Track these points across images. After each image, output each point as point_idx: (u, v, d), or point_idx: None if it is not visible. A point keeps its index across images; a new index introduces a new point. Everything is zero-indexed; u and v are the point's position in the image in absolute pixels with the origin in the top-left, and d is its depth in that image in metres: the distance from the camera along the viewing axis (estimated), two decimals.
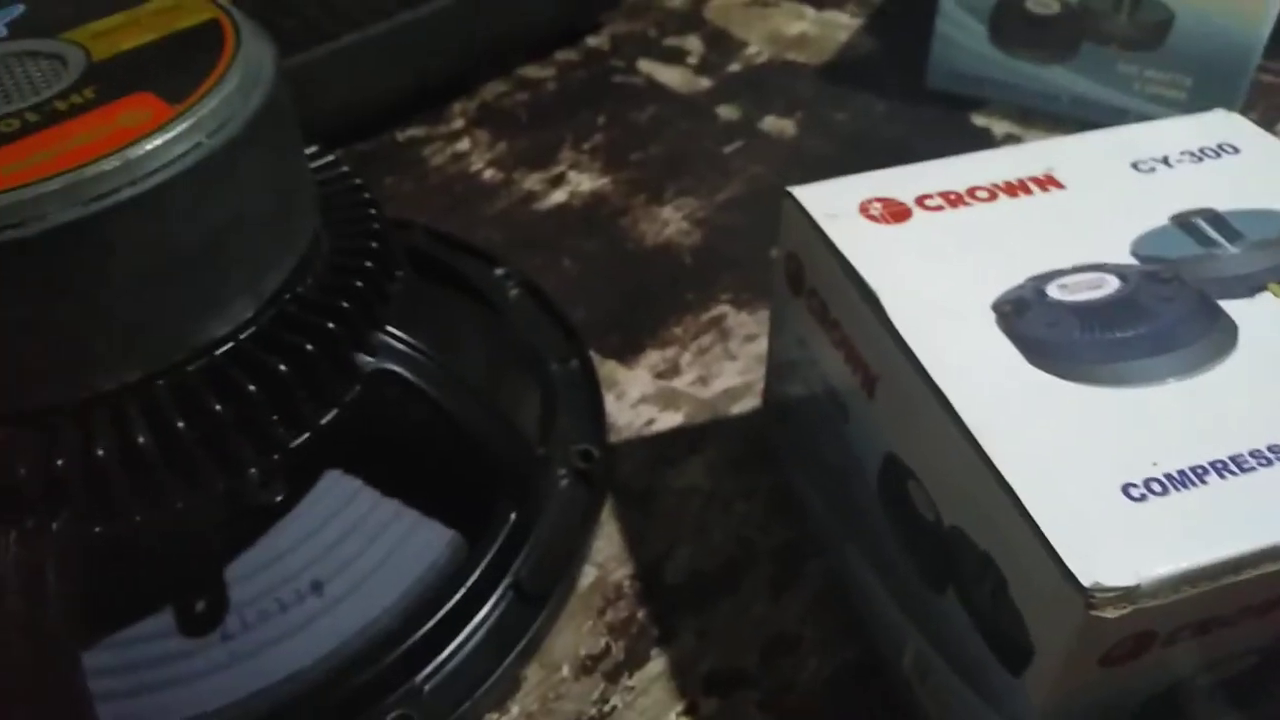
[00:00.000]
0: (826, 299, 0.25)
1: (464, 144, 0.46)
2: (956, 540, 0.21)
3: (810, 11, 0.55)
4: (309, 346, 0.23)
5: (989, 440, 0.19)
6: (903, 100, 0.47)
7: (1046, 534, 0.18)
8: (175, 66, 0.22)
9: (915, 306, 0.22)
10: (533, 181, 0.44)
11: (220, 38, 0.23)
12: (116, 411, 0.21)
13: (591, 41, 0.53)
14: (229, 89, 0.21)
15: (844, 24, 0.54)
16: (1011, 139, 0.45)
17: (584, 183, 0.44)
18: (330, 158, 0.28)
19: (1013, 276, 0.23)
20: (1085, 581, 0.17)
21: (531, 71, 0.51)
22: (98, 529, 0.21)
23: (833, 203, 0.25)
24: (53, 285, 0.19)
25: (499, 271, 0.37)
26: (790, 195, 0.25)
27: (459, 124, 0.47)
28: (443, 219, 0.41)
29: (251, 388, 0.22)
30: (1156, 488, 0.19)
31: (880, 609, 0.25)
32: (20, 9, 0.25)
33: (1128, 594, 0.17)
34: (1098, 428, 0.20)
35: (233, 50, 0.22)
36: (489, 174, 0.44)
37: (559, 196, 0.43)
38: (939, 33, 0.47)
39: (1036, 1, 0.43)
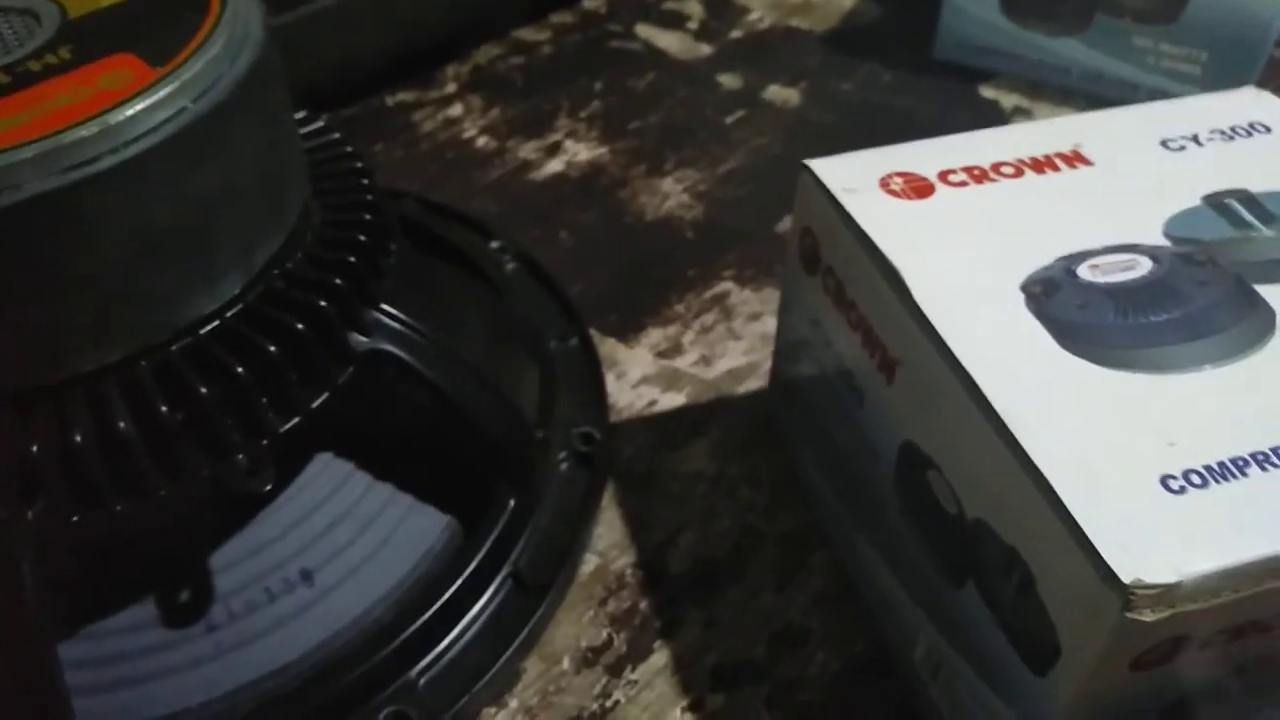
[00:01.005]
0: (844, 278, 0.24)
1: (456, 109, 0.44)
2: (980, 533, 0.20)
3: None
4: (300, 325, 0.22)
5: (1020, 427, 0.19)
6: (909, 70, 0.46)
7: (1083, 528, 0.17)
8: (158, 26, 0.21)
9: (940, 286, 0.21)
10: (528, 150, 0.42)
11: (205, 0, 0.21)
12: (95, 394, 0.20)
13: (588, 4, 0.51)
14: (215, 51, 0.20)
15: None
16: (1020, 112, 0.44)
17: (581, 152, 0.42)
18: (320, 123, 0.26)
19: (1041, 256, 0.22)
20: (1125, 578, 0.16)
21: (526, 35, 0.49)
22: (75, 519, 0.20)
23: (852, 177, 0.24)
24: (27, 259, 0.18)
25: (494, 244, 0.36)
26: (807, 168, 0.24)
27: (451, 89, 0.46)
28: (434, 188, 0.40)
29: (239, 369, 0.21)
30: (1196, 480, 0.18)
31: (892, 600, 0.24)
32: None
33: (1168, 592, 0.16)
34: (1133, 416, 0.19)
35: (219, 9, 0.21)
36: (482, 141, 0.43)
37: (555, 166, 0.42)
38: (949, 1, 0.45)
39: None
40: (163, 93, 0.19)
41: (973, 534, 0.20)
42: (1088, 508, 0.17)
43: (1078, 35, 0.43)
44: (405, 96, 0.45)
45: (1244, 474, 0.18)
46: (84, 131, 0.18)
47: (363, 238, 0.24)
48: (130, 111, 0.18)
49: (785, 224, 0.38)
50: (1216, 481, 0.18)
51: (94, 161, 0.18)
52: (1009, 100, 0.45)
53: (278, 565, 0.24)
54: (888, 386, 0.22)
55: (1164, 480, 0.18)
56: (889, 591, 0.24)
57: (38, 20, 0.21)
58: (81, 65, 0.20)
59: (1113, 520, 0.17)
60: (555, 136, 0.43)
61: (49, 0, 0.22)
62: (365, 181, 0.26)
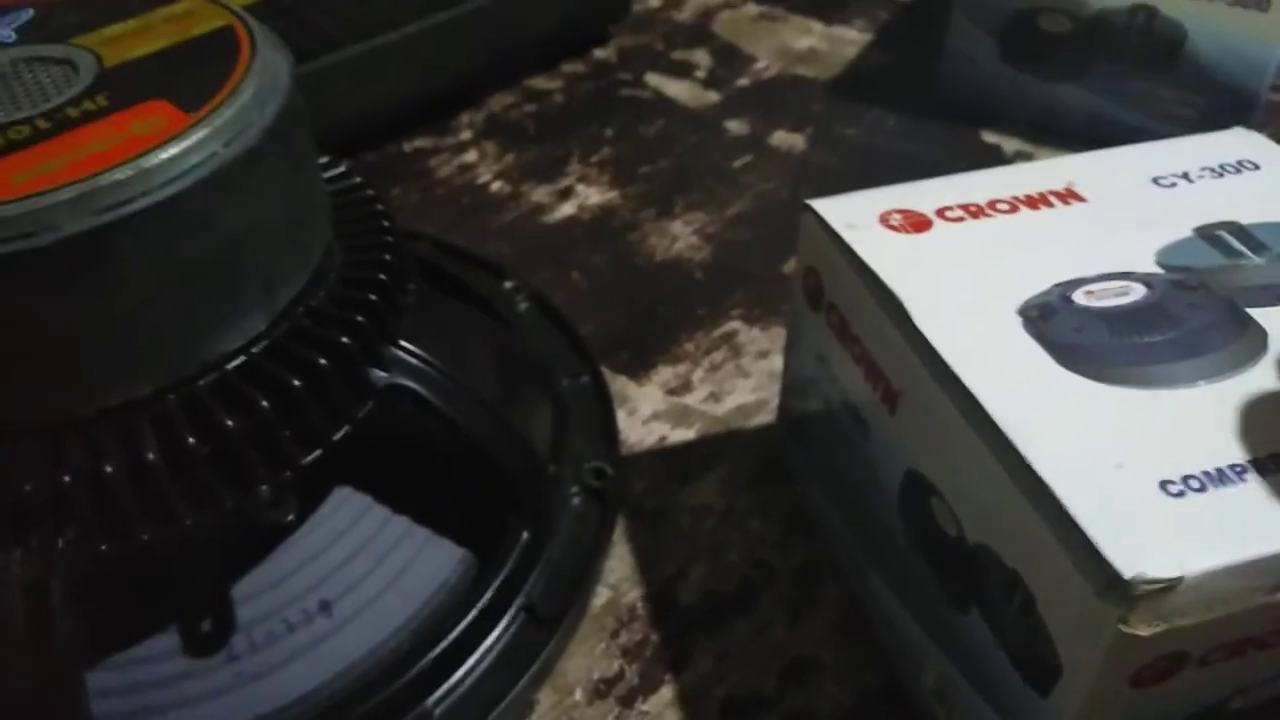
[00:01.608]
0: (847, 314, 0.24)
1: (471, 155, 0.46)
2: (982, 557, 0.20)
3: (818, 26, 0.55)
4: (322, 361, 0.23)
5: (1019, 436, 0.19)
6: (913, 116, 0.47)
7: (1084, 527, 0.17)
8: (190, 74, 0.22)
9: (940, 312, 0.22)
10: (541, 194, 0.43)
11: (235, 45, 0.23)
12: (125, 427, 0.20)
13: (599, 54, 0.53)
14: (245, 97, 0.21)
15: (852, 39, 0.54)
16: (1022, 156, 0.45)
17: (592, 196, 0.43)
18: (342, 168, 0.27)
19: (1037, 285, 0.22)
20: (1128, 573, 0.17)
21: (539, 83, 0.50)
22: (104, 547, 0.20)
23: (852, 214, 0.25)
24: (63, 297, 0.19)
25: (508, 284, 0.37)
26: (809, 208, 0.25)
27: (466, 135, 0.47)
28: (450, 231, 0.41)
29: (264, 403, 0.22)
30: (1195, 484, 0.18)
31: (901, 630, 0.25)
32: (29, 13, 0.25)
33: (1166, 596, 0.17)
34: (1131, 427, 0.19)
35: (248, 58, 0.22)
36: (496, 186, 0.44)
37: (567, 209, 0.43)
38: (950, 49, 0.47)
39: (1048, 19, 0.43)
40: (195, 137, 0.20)
41: (975, 559, 0.21)
42: (1090, 510, 0.18)
43: (1078, 81, 0.44)
44: (422, 143, 0.46)
45: (1242, 479, 0.18)
46: (119, 174, 0.19)
47: (383, 277, 0.25)
48: (164, 155, 0.19)
49: (791, 265, 0.39)
50: (1215, 486, 0.18)
51: (128, 203, 0.19)
52: (1010, 145, 0.45)
53: (297, 596, 0.25)
54: (891, 417, 0.23)
55: (1163, 485, 0.18)
56: (898, 621, 0.25)
57: (75, 69, 0.22)
58: (117, 111, 0.21)
59: (1113, 521, 0.18)
60: (567, 181, 0.44)
61: (85, 50, 0.23)
62: (385, 224, 0.27)
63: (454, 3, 0.44)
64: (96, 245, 0.19)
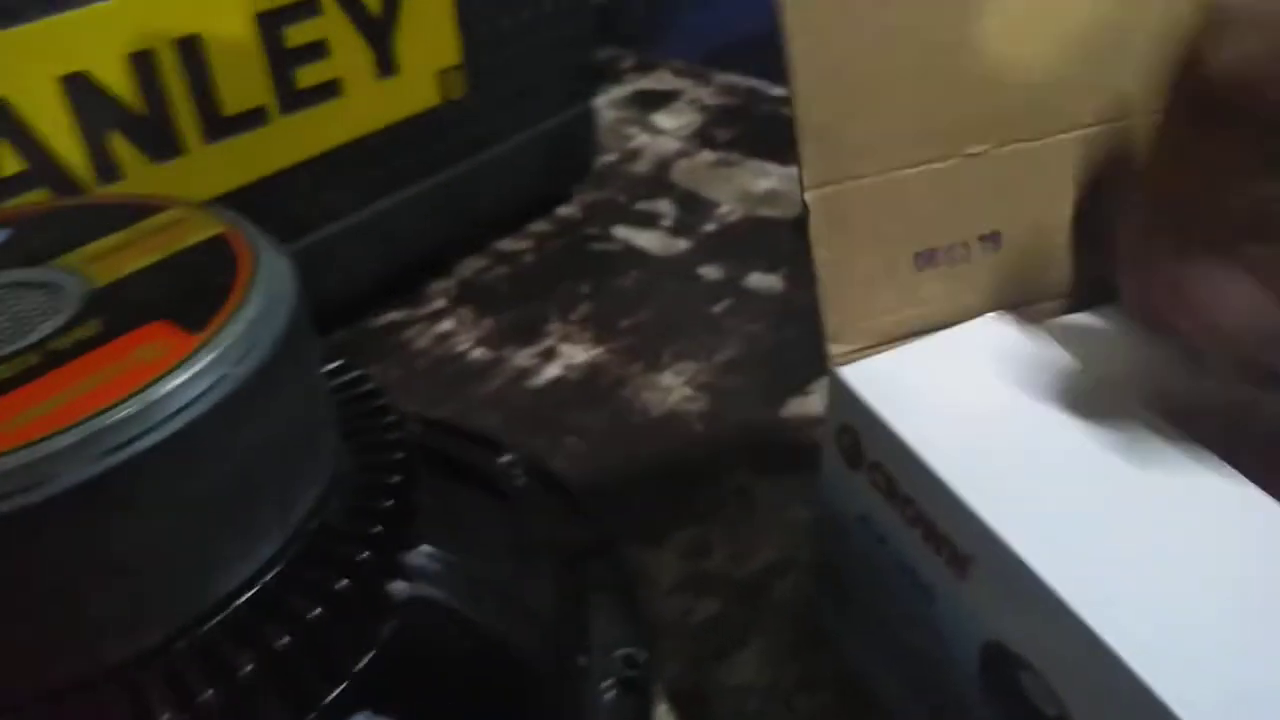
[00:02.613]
0: (894, 474, 0.23)
1: (448, 323, 0.45)
2: None
3: (774, 168, 0.56)
4: (342, 583, 0.21)
5: (1108, 630, 0.18)
6: None
7: None
8: (188, 289, 0.20)
9: (994, 477, 0.21)
10: (524, 357, 0.42)
11: (232, 253, 0.21)
12: (133, 686, 0.18)
13: (563, 211, 0.53)
14: (252, 311, 0.19)
15: None
16: None
17: (577, 354, 0.42)
18: (340, 361, 0.26)
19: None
20: None
21: (507, 245, 0.50)
22: None
23: (882, 378, 0.24)
24: (66, 550, 0.17)
25: (504, 458, 0.35)
26: (836, 375, 0.24)
27: (440, 303, 0.46)
28: (435, 405, 0.40)
29: (284, 640, 0.19)
30: None
31: None
32: (3, 234, 0.23)
33: None
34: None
35: (250, 266, 0.21)
36: (478, 353, 0.43)
37: (553, 371, 0.41)
38: None
39: None
40: (204, 361, 0.18)
41: None
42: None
43: None
44: (395, 315, 0.45)
45: None
46: (123, 411, 0.17)
47: (396, 478, 0.23)
48: (172, 384, 0.18)
49: (791, 409, 0.38)
50: None
51: (134, 442, 0.17)
52: None
53: None
54: (961, 583, 0.21)
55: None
56: None
57: (59, 293, 0.21)
58: (114, 338, 0.19)
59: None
60: (549, 341, 0.43)
61: (68, 271, 0.21)
62: (390, 418, 0.25)
63: (423, 175, 0.43)
64: (104, 491, 0.17)
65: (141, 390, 0.17)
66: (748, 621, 0.30)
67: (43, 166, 0.32)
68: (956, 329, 0.25)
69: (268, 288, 0.20)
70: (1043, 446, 0.22)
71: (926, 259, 0.23)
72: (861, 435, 0.24)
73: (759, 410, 0.38)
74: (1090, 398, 0.23)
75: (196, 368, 0.18)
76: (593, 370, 0.41)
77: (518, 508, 0.32)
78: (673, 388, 0.40)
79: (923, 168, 0.22)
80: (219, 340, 0.19)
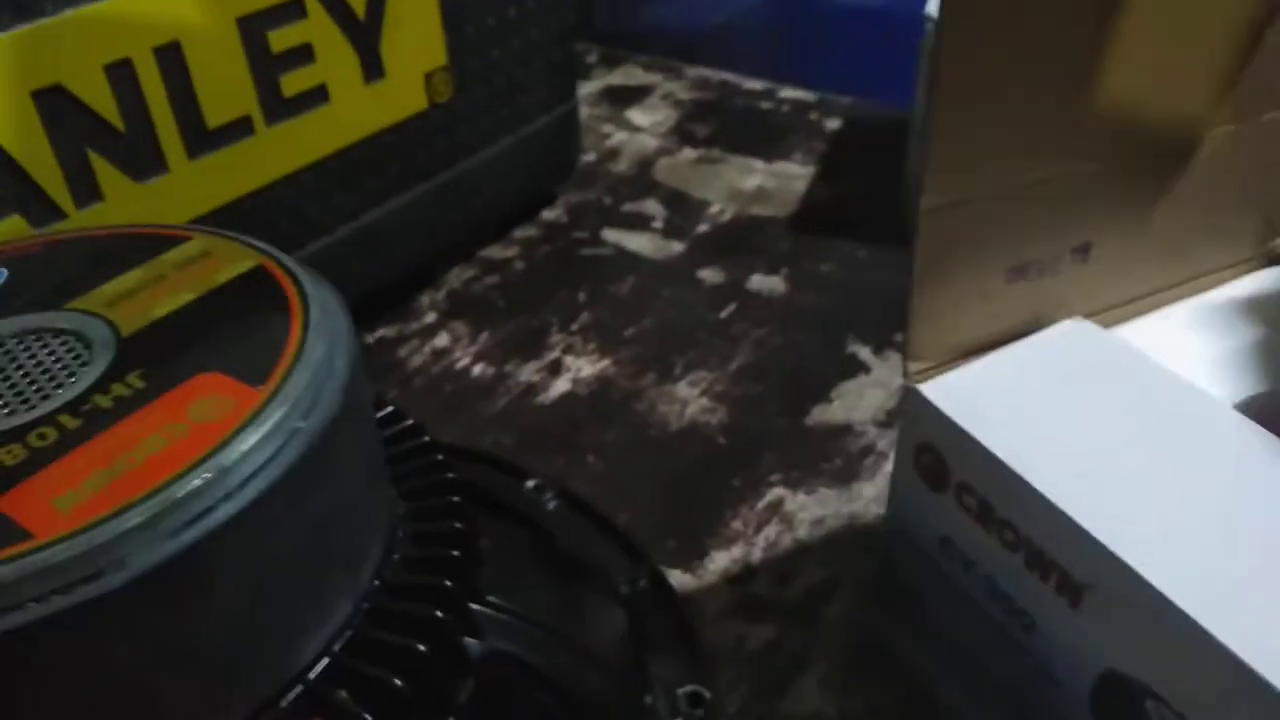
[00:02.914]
0: (988, 496, 0.22)
1: (443, 339, 0.43)
2: None
3: (759, 164, 0.55)
4: (419, 646, 0.19)
5: (1254, 657, 0.17)
6: (881, 245, 0.47)
7: None
8: (235, 334, 0.18)
9: (1104, 498, 0.20)
10: (528, 372, 0.40)
11: (277, 289, 0.19)
12: None
13: (548, 215, 0.51)
14: (316, 357, 0.17)
15: (797, 174, 0.54)
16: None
17: (584, 367, 0.41)
18: (391, 408, 0.24)
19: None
20: None
21: (494, 253, 0.48)
22: None
23: (966, 393, 0.23)
24: (136, 639, 0.15)
25: (530, 484, 0.33)
26: (916, 392, 0.23)
27: (431, 317, 0.44)
28: (439, 427, 0.37)
29: (365, 716, 0.18)
30: None
31: None
32: (2, 274, 0.21)
33: None
34: None
35: (300, 304, 0.19)
36: (478, 370, 0.41)
37: (561, 386, 0.40)
38: (910, 174, 0.47)
39: None
40: (275, 417, 0.16)
41: None
42: None
43: None
44: (386, 332, 0.43)
45: None
46: (195, 480, 0.15)
47: (458, 525, 0.21)
48: (244, 446, 0.16)
49: (815, 417, 0.37)
50: None
51: (208, 514, 0.15)
52: None
53: None
54: (1073, 611, 0.20)
55: None
56: None
57: (86, 343, 0.18)
58: (162, 393, 0.17)
59: None
60: (553, 354, 0.41)
61: (93, 316, 0.19)
62: (439, 457, 0.23)
63: (412, 183, 0.41)
64: (178, 573, 0.15)
65: (211, 455, 0.15)
66: (804, 647, 0.29)
67: (16, 190, 0.29)
68: (1032, 339, 0.24)
69: (325, 329, 0.18)
70: (1144, 460, 0.21)
71: (1018, 273, 0.22)
72: (946, 454, 0.23)
73: (781, 420, 0.37)
74: (1181, 404, 0.22)
75: (267, 426, 0.16)
76: (602, 383, 0.40)
77: (555, 540, 0.31)
78: (689, 399, 0.39)
79: (1033, 182, 0.21)
80: (285, 392, 0.17)
